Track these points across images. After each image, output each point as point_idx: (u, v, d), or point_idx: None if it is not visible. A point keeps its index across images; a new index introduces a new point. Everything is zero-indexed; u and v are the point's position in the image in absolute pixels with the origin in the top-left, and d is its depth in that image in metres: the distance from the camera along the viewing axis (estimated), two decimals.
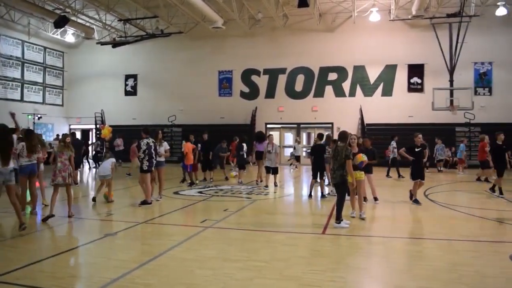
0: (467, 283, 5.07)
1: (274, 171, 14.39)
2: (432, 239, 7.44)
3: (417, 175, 10.69)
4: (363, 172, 9.35)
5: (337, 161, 8.31)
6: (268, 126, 27.08)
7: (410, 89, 25.61)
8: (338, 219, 8.07)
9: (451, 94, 21.39)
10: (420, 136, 10.93)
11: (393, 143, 17.71)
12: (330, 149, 10.64)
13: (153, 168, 10.65)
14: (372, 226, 8.40)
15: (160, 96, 28.77)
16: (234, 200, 11.80)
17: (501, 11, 23.09)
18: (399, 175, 17.25)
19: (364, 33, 25.76)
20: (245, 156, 17.14)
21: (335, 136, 13.61)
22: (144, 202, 10.42)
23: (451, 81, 21.75)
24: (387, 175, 17.64)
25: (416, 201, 10.67)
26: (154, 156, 10.58)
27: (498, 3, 22.95)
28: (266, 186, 14.31)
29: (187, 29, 26.86)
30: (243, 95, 27.61)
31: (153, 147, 10.58)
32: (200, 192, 13.08)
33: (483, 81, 24.92)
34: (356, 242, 7.33)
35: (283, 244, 6.92)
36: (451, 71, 21.76)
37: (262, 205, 11.17)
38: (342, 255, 6.41)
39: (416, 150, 10.66)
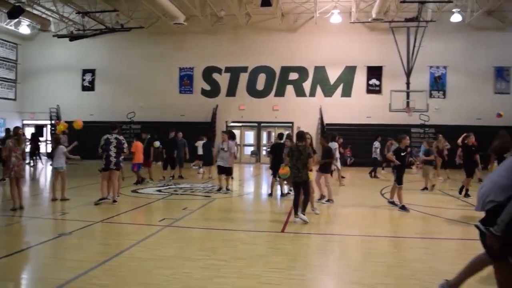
0: (420, 278, 5.25)
1: (227, 171, 12.81)
2: (387, 236, 7.65)
3: (402, 180, 10.24)
4: (311, 172, 9.39)
5: (300, 161, 8.46)
6: (229, 124, 27.04)
7: (369, 91, 26.22)
8: (304, 210, 8.36)
9: (408, 96, 22.03)
10: (407, 138, 10.50)
11: (376, 144, 17.98)
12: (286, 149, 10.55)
13: (111, 166, 10.21)
14: (330, 224, 8.56)
15: (119, 92, 28.12)
16: (193, 198, 11.71)
17: (456, 18, 24.04)
18: (375, 176, 17.59)
19: (325, 34, 26.13)
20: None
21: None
22: (101, 200, 10.21)
23: (408, 83, 22.39)
24: (374, 176, 17.82)
25: (404, 208, 9.96)
26: (114, 154, 10.24)
27: (453, 10, 23.85)
28: (220, 189, 12.81)
29: (148, 24, 26.40)
30: (204, 92, 27.43)
31: (114, 144, 10.22)
32: (159, 191, 12.91)
33: (438, 84, 25.84)
34: (315, 240, 7.45)
35: (243, 243, 6.94)
36: (408, 74, 22.40)
37: (222, 204, 11.14)
38: (301, 253, 6.49)
39: (402, 154, 10.20)
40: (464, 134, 12.70)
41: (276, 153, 11.92)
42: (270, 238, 7.40)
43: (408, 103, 21.77)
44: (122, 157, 10.62)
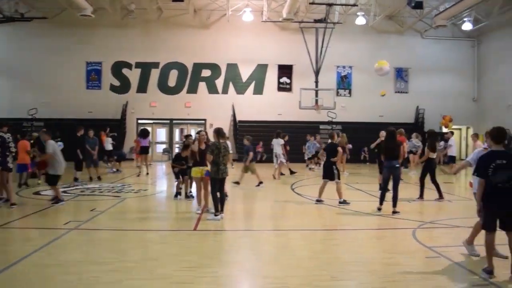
0: (327, 269, 5.50)
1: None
2: (297, 230, 7.91)
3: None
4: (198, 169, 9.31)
5: (226, 157, 8.57)
6: (140, 121, 26.29)
7: (280, 88, 26.93)
8: (217, 211, 8.42)
9: (316, 94, 22.88)
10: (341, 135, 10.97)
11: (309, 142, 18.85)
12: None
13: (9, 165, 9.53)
14: (243, 220, 8.65)
15: (19, 87, 25.97)
16: (102, 199, 11.21)
17: (360, 21, 25.57)
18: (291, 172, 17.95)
19: (237, 32, 26.36)
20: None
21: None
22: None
23: (316, 82, 23.27)
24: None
25: (345, 202, 10.29)
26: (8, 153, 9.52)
27: (358, 13, 25.25)
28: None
29: (52, 15, 24.78)
30: (113, 88, 26.34)
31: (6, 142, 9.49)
32: (64, 192, 12.17)
33: (344, 83, 27.27)
34: (227, 236, 7.49)
35: (154, 243, 6.79)
36: (317, 73, 23.30)
37: (132, 204, 10.80)
38: (214, 250, 6.49)
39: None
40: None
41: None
42: (182, 237, 7.31)
43: (316, 101, 22.62)
44: (9, 157, 9.77)
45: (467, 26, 26.20)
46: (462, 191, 12.72)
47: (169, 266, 5.52)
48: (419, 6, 21.73)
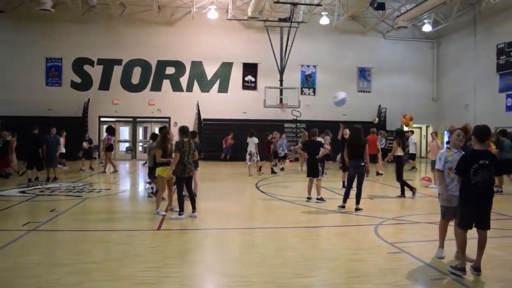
0: (292, 266, 5.54)
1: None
2: (261, 228, 7.96)
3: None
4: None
5: (192, 155, 8.57)
6: (102, 119, 25.73)
7: (245, 87, 26.97)
8: (182, 210, 8.38)
9: (281, 93, 22.98)
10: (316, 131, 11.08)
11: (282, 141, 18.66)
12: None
13: None
14: (208, 219, 8.58)
15: None
16: (62, 199, 10.91)
17: (324, 20, 25.93)
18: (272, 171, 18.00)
19: (202, 30, 26.18)
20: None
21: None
22: None
23: (281, 80, 23.38)
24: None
25: (322, 199, 10.50)
26: None
27: (322, 13, 25.57)
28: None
29: (10, 9, 23.92)
30: (74, 85, 25.63)
31: None
32: (23, 192, 11.81)
33: (308, 82, 27.59)
34: (192, 235, 7.44)
35: (117, 243, 6.66)
36: (281, 72, 23.42)
37: (94, 204, 10.53)
38: (178, 250, 6.42)
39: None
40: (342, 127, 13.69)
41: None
42: (146, 237, 7.21)
43: (281, 99, 22.74)
44: None
45: (427, 27, 27.05)
46: (423, 188, 13.08)
47: (132, 266, 5.43)
48: (381, 7, 22.25)
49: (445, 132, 26.31)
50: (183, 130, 8.63)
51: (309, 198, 10.62)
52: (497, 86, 23.50)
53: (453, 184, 5.57)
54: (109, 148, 17.41)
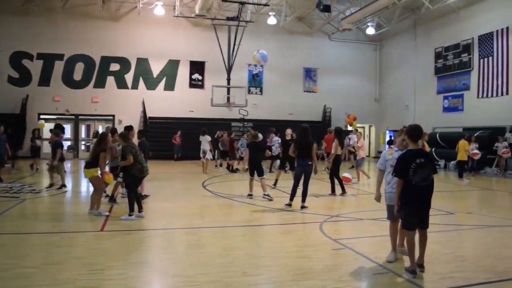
0: (238, 265, 5.54)
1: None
2: (208, 227, 7.90)
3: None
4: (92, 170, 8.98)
5: (145, 154, 8.76)
6: (42, 117, 24.62)
7: (192, 85, 26.74)
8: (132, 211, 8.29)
9: (228, 92, 22.98)
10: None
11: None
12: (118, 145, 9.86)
13: None
14: (151, 220, 8.42)
15: None
16: None
17: (271, 21, 26.25)
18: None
19: (148, 26, 25.69)
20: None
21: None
22: None
23: (229, 79, 23.36)
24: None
25: (268, 195, 10.70)
26: None
27: (269, 13, 25.81)
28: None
29: None
30: (11, 80, 24.34)
31: None
32: None
33: (255, 81, 27.75)
34: (136, 236, 7.27)
35: (57, 246, 6.39)
36: (229, 70, 23.40)
37: (33, 205, 10.08)
38: (122, 251, 6.25)
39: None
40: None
41: None
42: (88, 239, 6.97)
43: (228, 98, 22.72)
44: None
45: (370, 30, 27.97)
46: (365, 186, 13.50)
47: (73, 269, 5.23)
48: (327, 9, 22.77)
49: (387, 132, 27.38)
50: (124, 137, 8.63)
51: (250, 195, 10.88)
52: (435, 88, 24.68)
53: (394, 181, 5.51)
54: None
